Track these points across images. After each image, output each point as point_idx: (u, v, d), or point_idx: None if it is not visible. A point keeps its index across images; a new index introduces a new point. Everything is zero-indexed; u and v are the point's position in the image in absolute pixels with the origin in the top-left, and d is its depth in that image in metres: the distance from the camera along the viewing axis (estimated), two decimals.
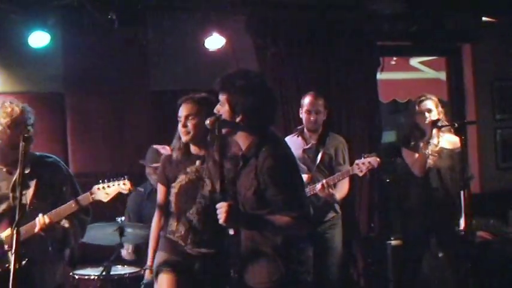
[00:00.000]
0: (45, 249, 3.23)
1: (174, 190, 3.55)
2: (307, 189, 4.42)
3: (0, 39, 5.24)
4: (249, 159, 2.83)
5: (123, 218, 4.33)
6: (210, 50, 5.49)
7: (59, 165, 3.44)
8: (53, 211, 3.14)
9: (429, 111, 4.87)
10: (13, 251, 2.68)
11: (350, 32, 5.96)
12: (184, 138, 3.53)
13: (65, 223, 3.26)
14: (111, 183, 3.16)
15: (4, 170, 3.34)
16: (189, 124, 3.47)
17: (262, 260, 2.79)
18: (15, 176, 3.25)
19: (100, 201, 3.20)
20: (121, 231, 4.20)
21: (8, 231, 3.20)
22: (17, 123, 3.25)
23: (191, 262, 3.51)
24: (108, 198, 3.17)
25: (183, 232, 3.51)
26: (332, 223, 4.83)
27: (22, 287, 2.75)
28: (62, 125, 5.45)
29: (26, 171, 3.21)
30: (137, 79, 5.73)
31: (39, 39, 4.99)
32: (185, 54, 5.66)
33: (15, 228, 2.74)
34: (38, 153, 3.45)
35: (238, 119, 2.78)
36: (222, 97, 2.84)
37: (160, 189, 3.69)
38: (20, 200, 2.88)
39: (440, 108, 4.95)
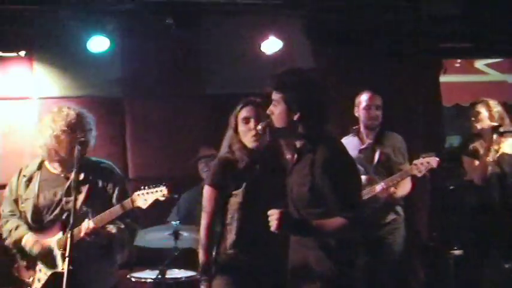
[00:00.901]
0: (92, 254, 3.25)
1: (237, 199, 3.23)
2: (365, 191, 4.26)
3: (61, 44, 5.38)
4: (304, 154, 2.75)
5: (178, 222, 4.33)
6: (267, 54, 5.45)
7: (112, 171, 3.47)
8: (98, 216, 3.18)
9: (478, 114, 4.66)
10: (67, 254, 2.70)
11: (410, 33, 5.79)
12: (254, 144, 3.23)
13: (112, 229, 3.29)
14: (150, 190, 3.17)
15: (62, 175, 3.40)
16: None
17: (311, 263, 2.70)
18: (70, 181, 3.30)
19: (140, 208, 3.22)
20: (176, 235, 4.21)
21: (59, 235, 3.26)
22: (73, 128, 3.30)
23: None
24: (147, 205, 3.18)
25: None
26: (393, 226, 4.57)
27: None
28: (121, 129, 5.53)
29: (80, 177, 3.26)
30: (194, 83, 5.77)
31: (98, 44, 5.10)
32: (241, 58, 5.65)
33: (69, 232, 2.76)
34: (93, 158, 3.49)
35: (295, 117, 2.70)
36: (276, 96, 2.76)
37: (211, 193, 3.28)
38: (75, 205, 2.91)
39: (497, 113, 4.71)
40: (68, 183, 3.32)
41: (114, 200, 3.32)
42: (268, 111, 2.78)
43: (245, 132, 3.24)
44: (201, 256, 3.22)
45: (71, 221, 2.85)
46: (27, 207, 3.37)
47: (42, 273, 3.29)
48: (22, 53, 5.18)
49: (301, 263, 2.74)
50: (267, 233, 2.64)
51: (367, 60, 5.74)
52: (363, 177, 4.22)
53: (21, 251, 3.36)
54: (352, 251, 2.75)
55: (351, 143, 4.50)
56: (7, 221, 3.46)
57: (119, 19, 5.20)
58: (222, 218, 3.23)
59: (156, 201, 3.20)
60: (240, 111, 3.29)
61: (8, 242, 3.42)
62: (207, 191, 3.25)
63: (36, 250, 3.28)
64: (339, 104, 5.31)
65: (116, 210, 3.20)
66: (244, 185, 3.15)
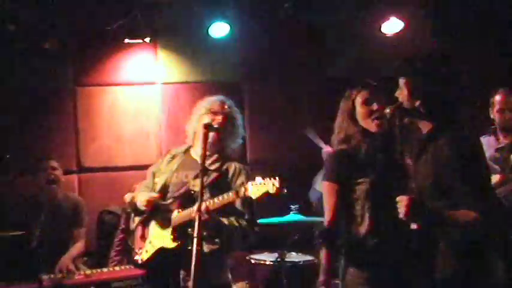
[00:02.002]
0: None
1: (364, 186, 2.98)
2: (499, 190, 4.00)
3: (183, 30, 5.54)
4: (429, 145, 2.63)
5: (297, 206, 4.33)
6: (387, 35, 5.29)
7: (244, 170, 3.51)
8: (211, 199, 3.19)
9: None
10: (195, 234, 2.76)
11: None
12: (377, 129, 2.97)
13: (224, 220, 3.30)
14: (264, 181, 3.08)
15: (196, 159, 3.49)
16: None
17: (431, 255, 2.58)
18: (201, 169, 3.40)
19: (250, 197, 3.18)
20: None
21: (174, 213, 3.34)
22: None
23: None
24: (257, 196, 3.11)
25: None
26: None
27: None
28: (240, 113, 5.60)
29: (213, 167, 3.38)
30: (313, 67, 5.73)
31: (219, 29, 5.19)
32: (360, 40, 5.53)
33: (197, 214, 2.83)
34: (230, 149, 3.56)
35: (417, 104, 2.60)
36: (401, 81, 2.67)
37: (331, 188, 3.00)
38: (202, 187, 2.96)
39: None
40: (199, 169, 3.41)
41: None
42: (396, 95, 2.69)
43: (365, 115, 2.97)
44: (322, 276, 2.90)
45: (199, 200, 2.89)
46: (160, 181, 3.50)
47: (151, 245, 3.40)
48: (147, 40, 5.36)
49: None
50: (395, 221, 2.53)
51: (500, 50, 5.39)
52: (496, 177, 3.98)
53: (135, 209, 3.50)
54: (480, 247, 2.58)
55: (487, 142, 4.25)
56: (139, 192, 3.60)
57: (239, 4, 5.25)
58: (349, 210, 2.97)
59: (267, 195, 3.14)
60: (359, 94, 3.03)
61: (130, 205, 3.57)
62: (326, 186, 2.97)
63: (142, 205, 3.39)
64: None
65: (228, 196, 3.18)
66: (370, 170, 2.92)
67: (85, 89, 5.66)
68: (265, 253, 4.63)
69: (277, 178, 3.01)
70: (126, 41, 5.34)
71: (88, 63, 5.64)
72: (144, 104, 5.71)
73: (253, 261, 4.47)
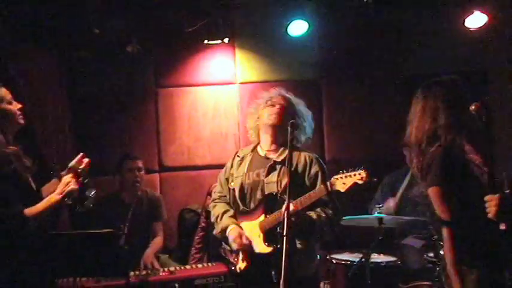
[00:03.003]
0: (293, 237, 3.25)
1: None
2: None
3: (262, 30, 5.58)
4: None
5: (380, 205, 4.26)
6: (471, 29, 5.10)
7: (316, 160, 3.47)
8: (298, 199, 3.18)
9: None
10: (284, 233, 2.76)
11: None
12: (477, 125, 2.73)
13: (313, 215, 3.29)
14: (349, 174, 3.10)
15: (266, 157, 3.50)
16: None
17: None
18: (269, 163, 3.40)
19: (338, 192, 3.16)
20: (379, 220, 4.15)
21: (261, 218, 3.36)
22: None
23: None
24: (345, 188, 3.10)
25: None
26: None
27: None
28: (318, 112, 5.58)
29: (281, 158, 3.36)
30: (391, 65, 5.63)
31: (298, 28, 5.18)
32: (441, 35, 5.36)
33: (285, 213, 2.82)
34: (301, 148, 3.54)
35: None
36: None
37: (442, 194, 2.77)
38: (289, 185, 2.95)
39: None
40: (268, 164, 3.41)
41: (316, 186, 3.32)
42: None
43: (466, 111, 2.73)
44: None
45: (286, 200, 2.88)
46: (236, 185, 3.52)
47: (246, 253, 3.41)
48: (226, 40, 5.41)
49: None
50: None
51: None
52: None
53: (226, 238, 3.50)
54: None
55: None
56: (215, 205, 3.65)
57: (317, 1, 5.21)
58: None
59: (355, 185, 3.13)
60: (443, 91, 2.88)
61: (216, 228, 3.59)
62: (436, 193, 2.74)
63: (235, 246, 3.40)
64: None
65: (315, 193, 3.19)
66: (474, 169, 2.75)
67: (165, 90, 5.79)
68: (346, 253, 4.59)
69: (363, 168, 3.07)
70: (206, 42, 5.40)
71: (168, 65, 5.76)
72: (223, 104, 5.77)
73: (334, 261, 4.43)
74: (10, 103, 3.11)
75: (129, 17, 5.10)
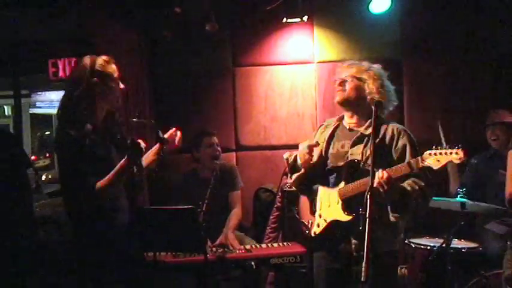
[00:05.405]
0: (381, 210, 3.10)
1: None
2: None
3: (341, 7, 5.48)
4: None
5: (463, 190, 4.10)
6: None
7: (404, 132, 3.34)
8: (391, 168, 3.04)
9: None
10: (367, 214, 2.68)
11: None
12: None
13: (407, 186, 3.17)
14: (443, 151, 2.92)
15: (353, 130, 3.40)
16: None
17: None
18: (356, 135, 3.31)
19: (430, 168, 3.00)
20: (462, 204, 4.00)
21: (341, 185, 3.25)
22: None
23: None
24: (439, 166, 2.92)
25: None
26: None
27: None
28: (399, 92, 5.38)
29: (368, 131, 3.25)
30: (481, 43, 5.37)
31: (379, 4, 5.03)
32: None
33: (368, 193, 2.74)
34: (386, 111, 3.40)
35: None
36: None
37: None
38: (374, 162, 2.86)
39: None
40: (355, 136, 3.33)
41: (405, 159, 3.19)
42: None
43: None
44: None
45: (370, 181, 2.80)
46: (316, 151, 3.38)
47: (321, 219, 3.32)
48: (305, 18, 5.33)
49: None
50: None
51: None
52: None
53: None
54: None
55: None
56: None
57: None
58: None
59: (450, 163, 2.97)
60: None
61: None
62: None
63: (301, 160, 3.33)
64: None
65: (404, 166, 3.03)
66: None
67: (242, 69, 5.78)
68: (426, 238, 4.46)
69: (460, 148, 2.88)
70: (284, 20, 5.35)
71: (246, 44, 5.75)
72: (300, 83, 5.70)
73: (413, 246, 4.32)
74: (118, 83, 3.14)
75: None
